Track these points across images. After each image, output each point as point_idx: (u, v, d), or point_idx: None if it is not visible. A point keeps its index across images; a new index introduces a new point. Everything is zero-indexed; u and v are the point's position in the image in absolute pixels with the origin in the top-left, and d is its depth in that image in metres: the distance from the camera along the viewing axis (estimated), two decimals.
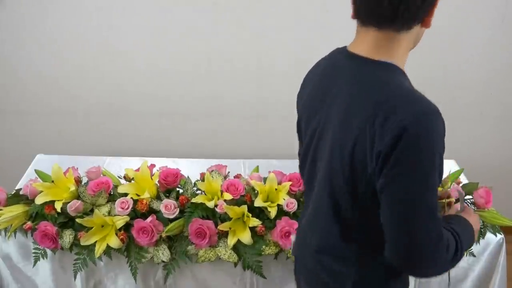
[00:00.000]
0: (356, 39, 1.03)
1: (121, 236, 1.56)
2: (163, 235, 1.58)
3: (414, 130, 0.86)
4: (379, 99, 0.91)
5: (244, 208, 1.60)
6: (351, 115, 0.96)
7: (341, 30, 2.19)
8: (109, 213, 1.62)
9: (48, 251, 1.64)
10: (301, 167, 1.22)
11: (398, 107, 0.88)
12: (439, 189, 1.23)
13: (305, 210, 1.22)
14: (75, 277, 1.64)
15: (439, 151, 0.89)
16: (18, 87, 2.31)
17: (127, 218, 1.59)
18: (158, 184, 1.69)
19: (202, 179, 1.72)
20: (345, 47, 1.07)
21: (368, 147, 0.91)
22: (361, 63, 0.99)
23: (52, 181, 1.68)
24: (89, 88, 2.31)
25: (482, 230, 1.66)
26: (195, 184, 1.72)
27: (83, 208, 1.62)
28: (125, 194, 1.66)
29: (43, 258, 1.64)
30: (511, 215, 1.72)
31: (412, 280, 1.64)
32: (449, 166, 1.96)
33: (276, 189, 1.67)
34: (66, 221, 1.62)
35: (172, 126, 2.41)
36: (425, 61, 2.09)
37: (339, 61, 1.06)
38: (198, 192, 1.71)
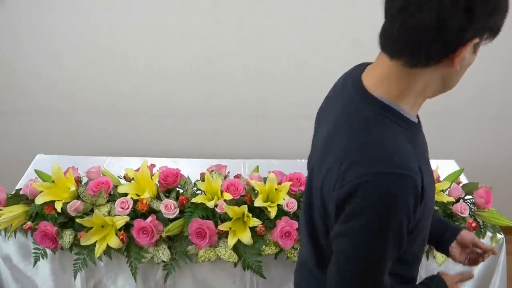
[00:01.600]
0: (374, 62, 0.93)
1: (121, 236, 1.56)
2: (163, 235, 1.58)
3: (369, 189, 0.79)
4: (352, 144, 0.84)
5: (244, 208, 1.60)
6: (328, 149, 0.90)
7: (341, 30, 2.21)
8: (109, 213, 1.62)
9: (48, 251, 1.64)
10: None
11: (362, 160, 0.81)
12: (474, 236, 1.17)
13: None
14: (75, 277, 1.64)
15: (398, 216, 0.81)
16: (18, 87, 2.31)
17: (127, 218, 1.59)
18: (158, 184, 1.69)
19: (202, 179, 1.72)
20: (365, 67, 0.96)
21: (331, 191, 0.86)
22: (358, 95, 0.90)
23: (52, 181, 1.68)
24: (89, 88, 2.31)
25: (482, 230, 1.66)
26: (195, 184, 1.72)
27: (83, 208, 1.62)
28: (125, 194, 1.66)
29: (43, 258, 1.64)
30: (511, 215, 1.72)
31: None
32: (449, 166, 1.96)
33: (276, 189, 1.67)
34: (66, 221, 1.62)
35: (172, 126, 2.41)
36: None
37: (347, 84, 0.96)
38: (198, 192, 1.71)
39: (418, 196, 0.82)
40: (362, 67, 0.96)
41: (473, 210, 1.71)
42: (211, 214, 1.61)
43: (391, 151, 0.82)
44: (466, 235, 1.16)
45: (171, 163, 1.92)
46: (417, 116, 0.95)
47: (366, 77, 0.90)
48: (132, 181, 1.72)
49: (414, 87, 0.85)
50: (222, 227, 1.57)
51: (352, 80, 0.93)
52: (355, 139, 0.84)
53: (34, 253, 1.64)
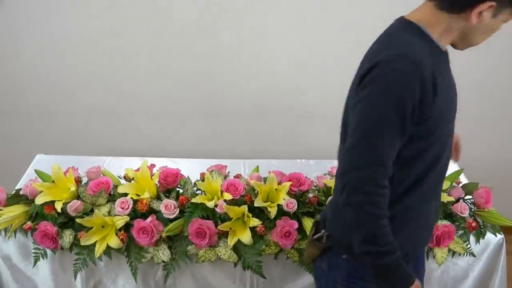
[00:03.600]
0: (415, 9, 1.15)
1: (121, 236, 1.56)
2: (163, 235, 1.58)
3: (383, 65, 1.00)
4: (383, 41, 1.08)
5: (244, 208, 1.60)
6: (364, 59, 1.11)
7: (341, 30, 2.21)
8: (109, 213, 1.62)
9: (48, 251, 1.64)
10: None
11: (387, 49, 1.04)
12: None
13: None
14: (75, 277, 1.64)
15: (401, 92, 0.99)
16: (18, 87, 2.31)
17: (127, 218, 1.59)
18: (158, 184, 1.69)
19: (202, 179, 1.72)
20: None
21: (359, 76, 1.06)
22: (396, 20, 1.13)
23: (52, 181, 1.68)
24: (89, 88, 2.31)
25: (482, 230, 1.66)
26: (195, 184, 1.72)
27: (83, 208, 1.62)
28: (125, 194, 1.66)
29: (43, 258, 1.64)
30: (511, 215, 1.72)
31: None
32: (449, 166, 1.95)
33: (276, 189, 1.67)
34: (66, 221, 1.62)
35: (172, 126, 2.41)
36: None
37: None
38: (198, 192, 1.71)
39: (426, 87, 1.00)
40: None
41: (473, 210, 1.71)
42: (211, 214, 1.61)
43: (411, 47, 1.03)
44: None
45: (171, 163, 1.92)
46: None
47: (407, 15, 1.12)
48: (132, 181, 1.72)
49: (439, 25, 1.06)
50: (222, 227, 1.57)
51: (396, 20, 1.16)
52: (386, 42, 1.08)
53: (34, 253, 1.64)
